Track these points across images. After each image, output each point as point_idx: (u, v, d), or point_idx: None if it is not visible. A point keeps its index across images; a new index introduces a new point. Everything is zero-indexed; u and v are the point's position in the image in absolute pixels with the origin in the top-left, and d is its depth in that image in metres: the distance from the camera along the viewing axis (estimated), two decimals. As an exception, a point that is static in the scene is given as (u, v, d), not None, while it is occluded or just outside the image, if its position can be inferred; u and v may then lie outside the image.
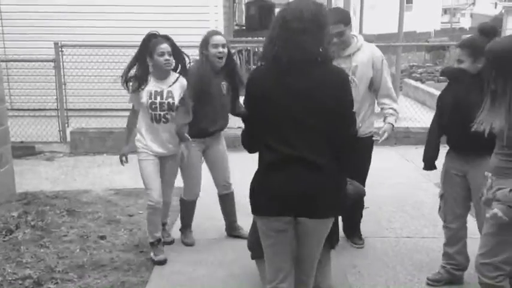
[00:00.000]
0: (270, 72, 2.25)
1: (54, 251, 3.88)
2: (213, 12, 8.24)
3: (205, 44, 3.70)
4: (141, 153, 3.62)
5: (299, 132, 2.21)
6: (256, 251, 3.17)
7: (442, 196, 3.29)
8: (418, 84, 12.02)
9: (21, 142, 6.91)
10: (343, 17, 3.41)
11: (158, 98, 3.53)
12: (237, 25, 13.67)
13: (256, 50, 9.46)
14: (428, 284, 3.33)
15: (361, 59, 3.50)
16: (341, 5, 12.44)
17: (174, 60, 3.56)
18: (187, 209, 4.03)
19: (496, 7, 37.02)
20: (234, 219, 4.17)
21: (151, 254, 3.71)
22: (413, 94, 11.10)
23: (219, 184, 4.10)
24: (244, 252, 3.70)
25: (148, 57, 3.51)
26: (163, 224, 4.02)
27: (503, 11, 26.86)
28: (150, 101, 3.52)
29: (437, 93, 3.63)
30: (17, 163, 5.79)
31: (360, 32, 14.93)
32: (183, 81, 3.62)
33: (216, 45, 3.67)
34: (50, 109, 7.47)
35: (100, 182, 5.51)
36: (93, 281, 3.43)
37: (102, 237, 4.06)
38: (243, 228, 4.08)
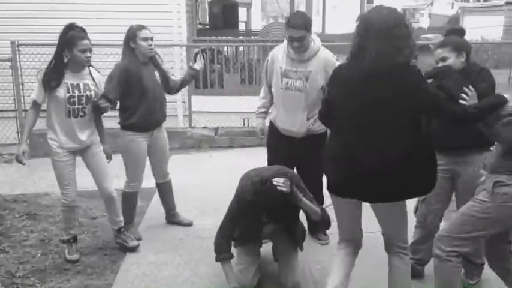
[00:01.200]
0: (355, 75, 2.50)
1: (14, 255, 3.77)
2: (176, 11, 8.13)
3: (133, 37, 3.73)
4: (57, 153, 3.53)
5: (366, 132, 2.50)
6: (222, 254, 3.17)
7: (423, 200, 3.28)
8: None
9: (-22, 144, 6.67)
10: (305, 22, 3.45)
11: (76, 91, 3.47)
12: (200, 24, 13.57)
13: (221, 49, 9.43)
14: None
15: (316, 66, 3.56)
16: (303, 4, 12.56)
17: None
18: (127, 201, 4.00)
19: (452, 7, 38.20)
20: (173, 207, 4.34)
21: (66, 251, 3.70)
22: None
23: (158, 173, 4.19)
24: (210, 252, 3.69)
25: (65, 50, 3.40)
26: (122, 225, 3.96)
27: (459, 11, 27.71)
28: (68, 94, 3.44)
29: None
30: (-27, 166, 5.59)
31: (323, 31, 15.11)
32: (95, 72, 3.62)
33: (145, 39, 3.75)
34: (8, 110, 7.22)
35: (61, 184, 5.38)
36: (55, 286, 3.36)
37: (64, 241, 3.95)
38: (182, 215, 4.37)
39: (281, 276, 3.31)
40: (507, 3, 21.47)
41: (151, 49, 3.83)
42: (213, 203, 4.81)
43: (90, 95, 3.53)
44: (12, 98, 7.05)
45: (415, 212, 3.39)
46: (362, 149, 2.50)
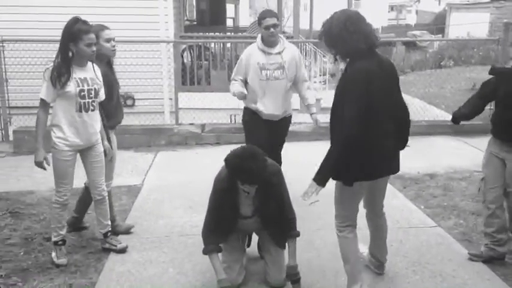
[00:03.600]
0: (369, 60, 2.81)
1: (-4, 255, 3.72)
2: (163, 7, 8.07)
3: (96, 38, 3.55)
4: (61, 151, 3.44)
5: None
6: (208, 247, 3.14)
7: (483, 179, 3.61)
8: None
9: (-39, 142, 6.57)
10: (275, 14, 4.27)
11: (85, 85, 3.41)
12: (187, 20, 13.49)
13: (208, 45, 9.38)
14: (469, 259, 3.59)
15: (288, 57, 4.25)
16: (291, 0, 12.53)
17: None
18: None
19: (439, 4, 38.42)
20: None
21: (53, 254, 3.60)
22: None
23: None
24: (195, 249, 3.68)
25: (71, 44, 3.33)
26: (112, 221, 3.93)
27: (446, 8, 27.87)
28: (78, 88, 3.37)
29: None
30: (-44, 164, 5.50)
31: (310, 27, 15.12)
32: (96, 67, 3.57)
33: (109, 40, 3.68)
34: (-9, 107, 7.14)
35: (45, 182, 5.28)
36: (38, 285, 3.30)
37: (48, 239, 3.88)
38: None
39: (267, 274, 3.30)
40: (493, 1, 21.64)
41: (114, 50, 3.78)
42: (199, 200, 4.78)
43: (98, 88, 3.50)
44: (-4, 94, 6.97)
45: (479, 191, 3.72)
46: (387, 130, 2.88)
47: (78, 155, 3.60)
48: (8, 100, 7.07)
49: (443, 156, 6.26)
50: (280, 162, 4.39)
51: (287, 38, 8.82)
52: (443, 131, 7.36)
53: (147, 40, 7.68)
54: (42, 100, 3.39)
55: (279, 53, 4.18)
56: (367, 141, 2.77)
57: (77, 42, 3.32)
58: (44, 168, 3.48)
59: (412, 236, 4.00)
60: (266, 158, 2.98)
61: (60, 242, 3.60)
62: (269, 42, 4.17)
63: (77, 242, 3.93)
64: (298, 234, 3.21)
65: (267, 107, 4.26)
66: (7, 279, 3.37)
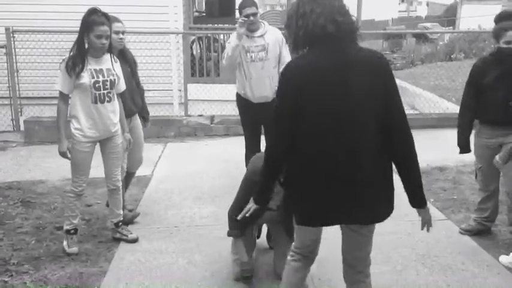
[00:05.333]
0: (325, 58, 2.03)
1: (8, 243, 3.76)
2: (172, -2, 8.06)
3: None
4: (79, 142, 3.46)
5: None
6: (232, 231, 3.16)
7: (479, 168, 3.78)
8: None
9: (-28, 132, 6.63)
10: (255, 2, 4.42)
11: (100, 76, 3.43)
12: (197, 11, 13.46)
13: (217, 37, 9.37)
14: (460, 233, 3.89)
15: (271, 39, 4.48)
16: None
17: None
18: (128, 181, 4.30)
19: (451, -4, 37.95)
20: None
21: (64, 243, 3.64)
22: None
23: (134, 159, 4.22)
24: (204, 240, 3.71)
25: (85, 35, 3.35)
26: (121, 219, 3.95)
27: (457, 0, 27.58)
28: (93, 80, 3.38)
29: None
30: (-33, 153, 5.56)
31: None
32: (116, 59, 3.59)
33: (117, 32, 3.72)
34: (2, 97, 7.19)
35: (56, 172, 5.36)
36: (49, 273, 3.34)
37: (59, 228, 3.93)
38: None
39: (276, 266, 3.31)
40: (505, -8, 21.40)
41: (121, 43, 3.81)
42: (208, 191, 4.82)
43: (115, 79, 3.50)
44: (7, 85, 7.01)
45: (476, 178, 3.89)
46: (345, 157, 2.02)
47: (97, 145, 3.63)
48: (19, 90, 7.11)
49: (453, 149, 6.22)
50: None
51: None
52: (453, 123, 7.27)
53: (157, 31, 7.69)
54: (60, 92, 3.42)
55: (262, 35, 4.47)
56: (306, 172, 2.07)
57: (89, 33, 3.34)
58: (69, 158, 3.51)
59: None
60: None
61: (72, 231, 3.65)
62: (250, 29, 4.43)
63: (88, 232, 3.97)
64: None
65: (255, 89, 4.48)
66: (19, 267, 3.41)
